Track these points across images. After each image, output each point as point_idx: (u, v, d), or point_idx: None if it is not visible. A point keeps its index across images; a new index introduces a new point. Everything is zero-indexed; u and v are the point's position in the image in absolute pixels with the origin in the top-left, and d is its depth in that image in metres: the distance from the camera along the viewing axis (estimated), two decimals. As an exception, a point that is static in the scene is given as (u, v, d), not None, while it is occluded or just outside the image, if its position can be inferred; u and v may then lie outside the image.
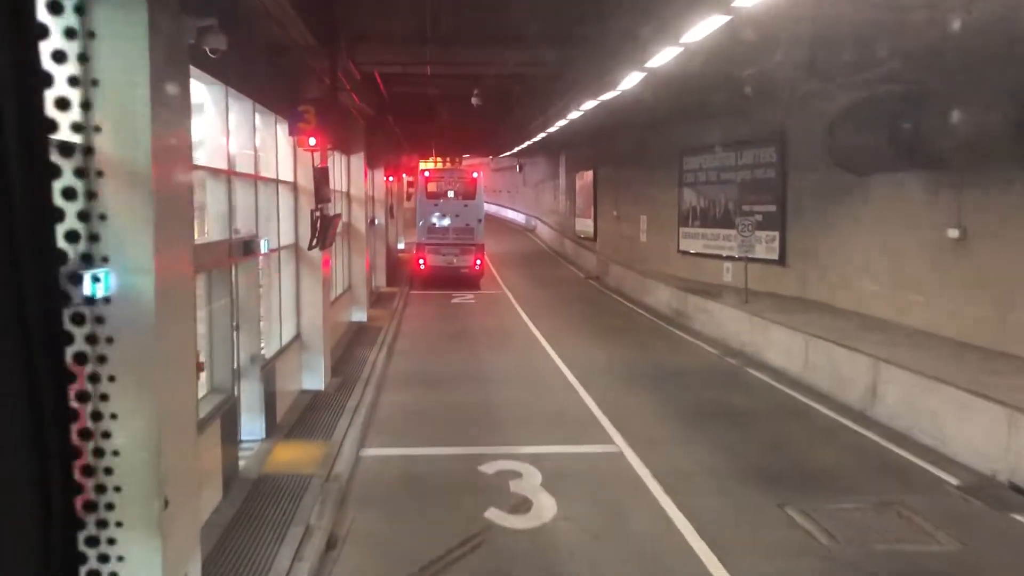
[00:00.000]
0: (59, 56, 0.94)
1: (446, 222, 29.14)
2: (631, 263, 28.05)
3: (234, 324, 9.46)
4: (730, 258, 22.09)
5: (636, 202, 28.42)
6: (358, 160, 19.90)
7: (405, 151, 37.15)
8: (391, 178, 31.78)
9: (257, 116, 10.53)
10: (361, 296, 19.98)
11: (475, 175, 30.44)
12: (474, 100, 15.91)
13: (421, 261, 29.18)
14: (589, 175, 35.63)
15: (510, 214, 61.81)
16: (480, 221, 29.48)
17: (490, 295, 26.71)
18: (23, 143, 0.87)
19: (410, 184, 42.62)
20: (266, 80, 10.81)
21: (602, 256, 32.27)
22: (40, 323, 0.89)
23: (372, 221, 26.27)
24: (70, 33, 0.99)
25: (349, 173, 19.59)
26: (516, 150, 46.41)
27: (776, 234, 19.67)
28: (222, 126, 8.99)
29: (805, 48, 12.90)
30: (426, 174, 30.16)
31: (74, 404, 0.97)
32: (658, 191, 26.13)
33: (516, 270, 33.71)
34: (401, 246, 39.43)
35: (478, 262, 29.09)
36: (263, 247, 10.52)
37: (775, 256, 19.78)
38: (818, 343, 14.01)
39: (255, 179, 10.49)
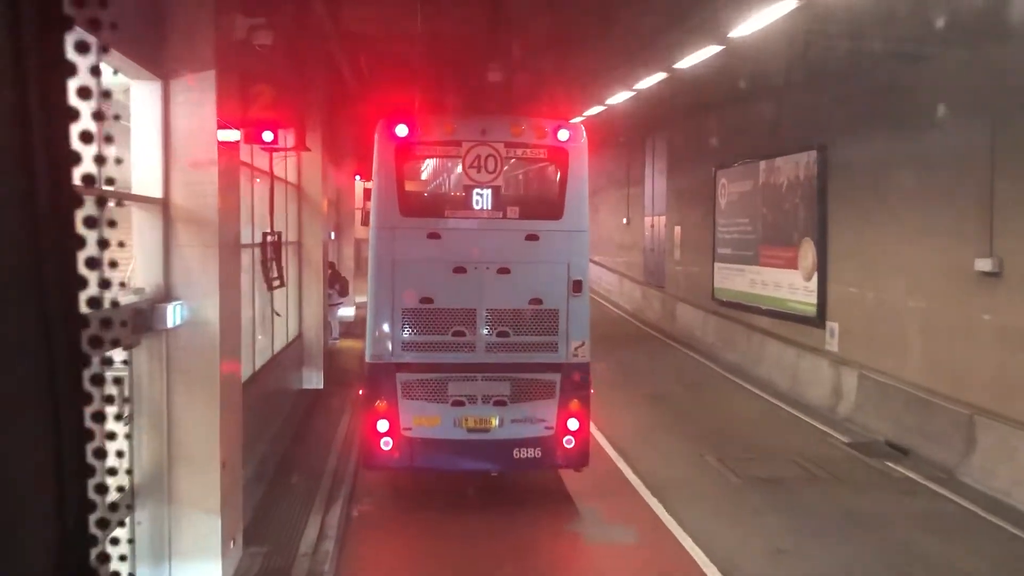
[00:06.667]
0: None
1: (468, 298, 8.37)
2: None
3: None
4: None
5: None
6: None
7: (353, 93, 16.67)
8: (293, 155, 10.80)
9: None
10: None
11: (562, 137, 9.20)
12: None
13: (385, 428, 8.28)
14: (787, 166, 14.88)
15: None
16: (580, 290, 8.87)
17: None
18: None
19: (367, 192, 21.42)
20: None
21: (888, 380, 11.54)
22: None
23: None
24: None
25: None
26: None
27: None
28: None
29: None
30: (402, 132, 8.84)
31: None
32: None
33: (646, 428, 12.59)
34: (347, 314, 18.82)
35: (572, 430, 8.42)
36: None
37: None
38: None
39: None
